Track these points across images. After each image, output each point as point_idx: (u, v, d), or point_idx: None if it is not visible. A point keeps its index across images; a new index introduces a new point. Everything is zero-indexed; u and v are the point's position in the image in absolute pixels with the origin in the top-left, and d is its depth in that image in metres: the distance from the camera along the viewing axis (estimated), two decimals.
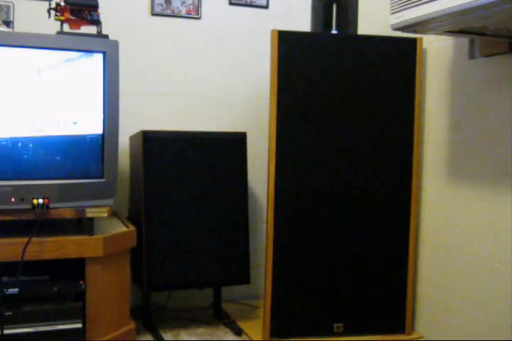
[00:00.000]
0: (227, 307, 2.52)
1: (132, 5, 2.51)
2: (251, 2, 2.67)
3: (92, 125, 1.92)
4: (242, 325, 2.33)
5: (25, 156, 1.84)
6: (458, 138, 2.06)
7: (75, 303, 1.89)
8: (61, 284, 1.87)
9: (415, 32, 1.73)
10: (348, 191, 2.15)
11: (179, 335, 2.24)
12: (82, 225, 2.02)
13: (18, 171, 1.83)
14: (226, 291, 2.55)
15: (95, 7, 1.97)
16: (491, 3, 1.36)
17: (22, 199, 1.81)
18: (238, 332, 2.26)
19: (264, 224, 2.27)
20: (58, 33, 1.93)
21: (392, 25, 1.71)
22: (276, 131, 2.09)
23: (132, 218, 2.34)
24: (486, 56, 1.91)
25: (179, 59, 2.60)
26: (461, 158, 2.04)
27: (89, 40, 1.89)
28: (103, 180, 1.92)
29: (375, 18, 2.50)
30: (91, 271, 1.91)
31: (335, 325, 2.18)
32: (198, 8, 2.59)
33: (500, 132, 1.86)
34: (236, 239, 2.27)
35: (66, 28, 1.99)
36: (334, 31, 2.18)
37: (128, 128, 2.38)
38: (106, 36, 1.97)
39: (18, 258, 1.78)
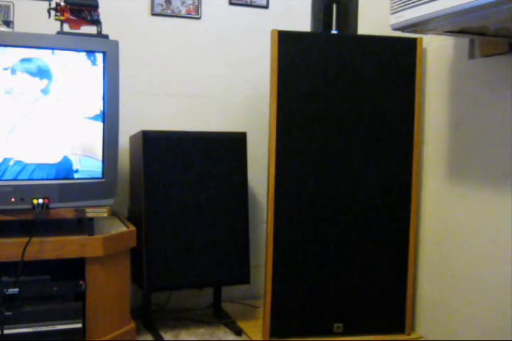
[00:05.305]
0: (227, 307, 2.52)
1: (132, 5, 2.51)
2: (251, 2, 2.67)
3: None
4: (242, 325, 2.33)
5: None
6: (458, 138, 2.06)
7: (75, 303, 1.88)
8: (61, 284, 1.87)
9: (415, 32, 1.73)
10: (347, 191, 2.15)
11: (179, 335, 2.24)
12: (82, 225, 2.02)
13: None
14: (226, 291, 2.55)
15: (95, 7, 1.96)
16: (491, 3, 1.36)
17: (22, 199, 1.81)
18: (238, 332, 2.26)
19: (264, 224, 2.27)
20: (58, 33, 1.93)
21: (392, 25, 1.71)
22: (276, 131, 2.09)
23: (132, 218, 2.34)
24: (486, 56, 1.91)
25: (179, 59, 2.60)
26: (461, 158, 2.04)
27: (89, 40, 1.89)
28: (103, 180, 1.93)
29: (375, 18, 2.49)
30: (91, 271, 1.91)
31: (335, 325, 2.18)
32: (198, 8, 2.59)
33: (500, 132, 1.86)
34: (236, 239, 2.28)
35: (66, 28, 1.99)
36: (334, 31, 2.18)
37: (128, 128, 2.38)
38: (106, 36, 1.97)
39: (18, 258, 1.78)
